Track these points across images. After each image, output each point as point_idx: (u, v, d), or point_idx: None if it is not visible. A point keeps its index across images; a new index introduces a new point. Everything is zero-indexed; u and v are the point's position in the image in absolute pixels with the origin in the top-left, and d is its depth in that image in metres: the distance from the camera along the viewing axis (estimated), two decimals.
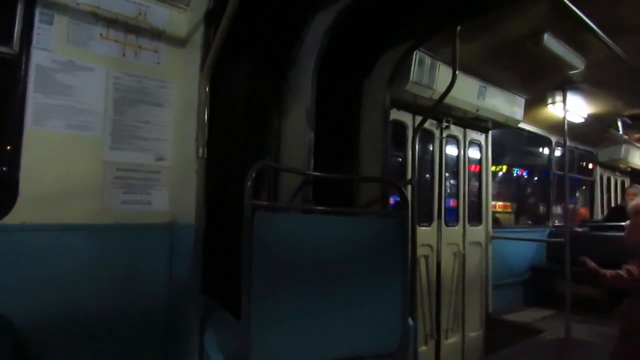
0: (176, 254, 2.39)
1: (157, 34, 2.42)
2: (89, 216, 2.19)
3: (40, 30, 2.07)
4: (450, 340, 4.81)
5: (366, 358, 2.39)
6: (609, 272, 2.81)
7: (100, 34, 2.24)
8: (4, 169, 2.07)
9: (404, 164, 4.38)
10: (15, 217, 1.99)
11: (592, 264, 2.91)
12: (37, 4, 2.07)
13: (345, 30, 2.59)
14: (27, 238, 2.02)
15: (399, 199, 4.47)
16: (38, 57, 2.07)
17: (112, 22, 2.27)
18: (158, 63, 2.42)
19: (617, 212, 6.17)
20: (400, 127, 4.38)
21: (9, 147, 2.05)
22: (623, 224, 5.19)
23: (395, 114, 4.21)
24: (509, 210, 7.18)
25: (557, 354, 3.82)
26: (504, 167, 7.07)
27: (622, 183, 8.89)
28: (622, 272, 2.75)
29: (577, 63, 3.85)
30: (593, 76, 4.24)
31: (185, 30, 2.48)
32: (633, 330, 2.67)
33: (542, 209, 7.16)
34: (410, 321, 2.86)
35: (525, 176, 7.49)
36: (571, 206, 7.84)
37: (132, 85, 2.34)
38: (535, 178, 7.48)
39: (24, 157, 2.02)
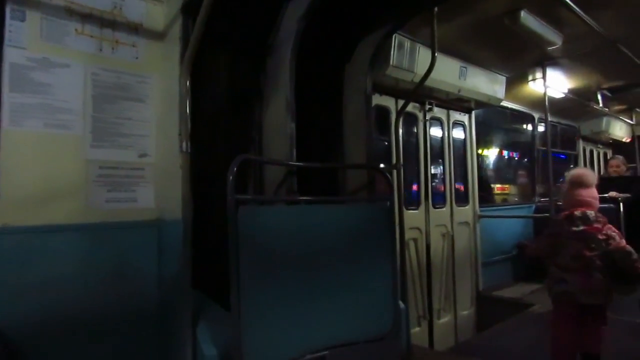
0: (165, 250, 2.38)
1: (134, 28, 2.36)
2: (73, 216, 2.16)
3: (12, 27, 2.00)
4: (443, 320, 4.89)
5: (359, 343, 2.42)
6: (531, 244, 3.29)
7: (75, 30, 2.18)
8: None
9: (390, 149, 4.39)
10: None
11: (522, 242, 3.56)
12: (7, 1, 2.00)
13: (322, 16, 2.58)
14: (11, 241, 1.98)
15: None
16: (11, 55, 2.01)
17: (86, 17, 2.21)
18: (136, 57, 2.38)
19: (601, 184, 6.27)
20: (383, 112, 4.39)
21: None
22: (606, 195, 5.33)
23: (378, 99, 4.22)
24: (507, 191, 7.31)
25: (548, 326, 3.89)
26: (497, 150, 7.12)
27: (605, 155, 9.04)
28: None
29: (554, 39, 3.89)
30: (571, 51, 4.30)
31: (163, 23, 2.43)
32: (548, 288, 3.08)
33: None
34: (401, 304, 2.89)
35: (516, 157, 7.57)
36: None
37: (111, 81, 2.29)
38: (525, 159, 7.57)
39: (3, 159, 1.97)
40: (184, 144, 2.15)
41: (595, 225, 2.80)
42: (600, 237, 2.76)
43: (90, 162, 2.23)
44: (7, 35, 2.00)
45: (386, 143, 4.43)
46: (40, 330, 2.03)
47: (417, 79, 3.76)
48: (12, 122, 2.00)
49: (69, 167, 2.16)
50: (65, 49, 2.15)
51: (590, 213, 2.85)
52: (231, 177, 1.97)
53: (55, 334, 2.07)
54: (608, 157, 8.52)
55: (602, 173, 8.43)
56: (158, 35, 2.44)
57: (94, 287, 2.19)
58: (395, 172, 3.67)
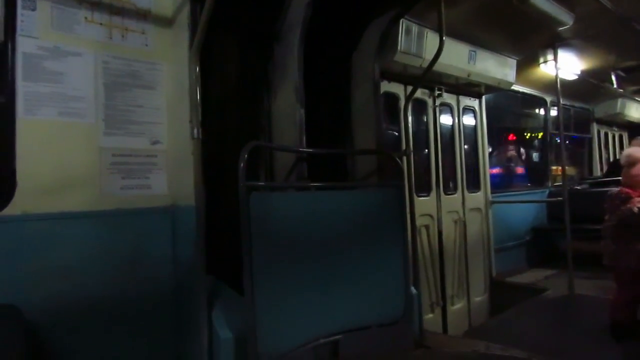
0: (179, 235, 2.41)
1: (142, 15, 2.38)
2: (89, 203, 2.20)
3: (23, 17, 2.03)
4: (456, 306, 4.88)
5: (371, 327, 2.44)
6: None
7: (85, 18, 2.20)
8: (0, 160, 2.05)
9: (399, 135, 4.38)
10: (15, 207, 1.99)
11: None
12: None
13: (329, 2, 2.57)
14: (30, 228, 2.03)
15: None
16: (24, 45, 2.03)
17: (95, 4, 2.23)
18: (146, 45, 2.39)
19: (617, 167, 6.20)
20: (392, 98, 4.36)
21: (2, 138, 2.02)
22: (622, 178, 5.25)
23: (387, 86, 4.20)
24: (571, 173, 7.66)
25: (562, 310, 3.89)
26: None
27: (620, 137, 8.89)
28: None
29: (565, 18, 3.83)
30: (583, 31, 4.23)
31: (171, 9, 2.43)
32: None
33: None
34: (414, 290, 2.90)
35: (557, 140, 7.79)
36: None
37: (121, 69, 2.31)
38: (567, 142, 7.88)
39: (19, 148, 2.01)
40: (195, 131, 2.16)
41: (614, 201, 3.29)
42: (617, 210, 3.23)
43: (103, 149, 2.26)
44: (19, 24, 2.02)
45: (396, 134, 4.41)
46: (59, 315, 2.07)
47: (425, 64, 3.72)
48: (27, 111, 2.04)
49: (83, 155, 2.20)
50: (75, 38, 2.18)
51: (614, 191, 3.38)
52: (242, 164, 1.99)
53: (73, 318, 2.11)
54: (623, 140, 8.40)
55: (617, 156, 8.32)
56: (167, 22, 2.44)
57: (111, 272, 2.23)
58: (405, 158, 3.65)
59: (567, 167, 7.13)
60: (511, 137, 7.10)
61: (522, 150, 7.24)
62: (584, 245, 5.34)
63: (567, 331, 3.45)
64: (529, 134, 7.26)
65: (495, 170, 6.63)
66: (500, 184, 6.43)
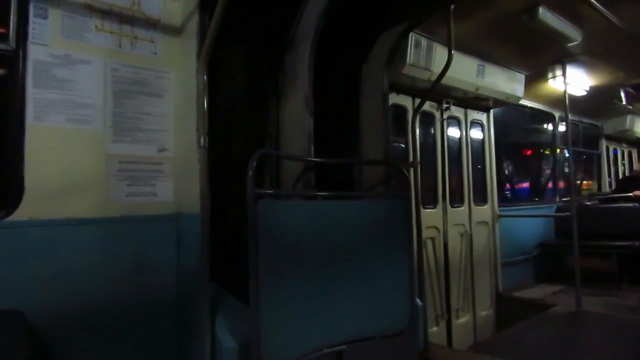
0: (183, 243, 2.41)
1: (152, 24, 2.42)
2: (95, 210, 2.22)
3: (35, 24, 2.07)
4: (461, 320, 4.83)
5: (375, 338, 2.41)
6: None
7: (95, 26, 2.24)
8: (9, 166, 2.07)
9: (407, 147, 4.37)
10: (22, 213, 2.01)
11: None
12: None
13: (340, 14, 2.59)
14: (36, 234, 2.04)
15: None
16: (35, 52, 2.07)
17: (106, 13, 2.27)
18: (155, 53, 2.43)
19: (627, 183, 6.17)
20: (400, 111, 4.37)
21: (11, 144, 2.05)
22: (631, 194, 5.22)
23: (395, 98, 4.21)
24: (591, 187, 7.86)
25: (569, 327, 3.83)
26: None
27: (629, 154, 8.83)
28: None
29: (574, 35, 3.83)
30: (592, 47, 4.22)
31: (180, 18, 2.47)
32: None
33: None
34: (419, 301, 2.88)
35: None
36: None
37: (130, 77, 2.34)
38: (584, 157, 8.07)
39: (27, 154, 2.04)
40: (201, 139, 2.17)
41: None
42: None
43: (110, 156, 2.28)
44: (30, 32, 2.06)
45: (403, 145, 4.41)
46: (63, 320, 2.08)
47: (434, 78, 3.73)
48: (36, 118, 2.07)
49: (90, 162, 2.22)
50: (86, 45, 2.22)
51: None
52: (251, 172, 1.99)
53: (77, 324, 2.12)
54: (633, 157, 8.35)
55: (626, 173, 8.27)
56: (175, 31, 2.48)
57: (115, 278, 2.24)
58: (412, 170, 3.64)
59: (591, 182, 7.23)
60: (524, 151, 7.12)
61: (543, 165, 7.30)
62: (591, 262, 5.29)
63: (574, 348, 3.38)
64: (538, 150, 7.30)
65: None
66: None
